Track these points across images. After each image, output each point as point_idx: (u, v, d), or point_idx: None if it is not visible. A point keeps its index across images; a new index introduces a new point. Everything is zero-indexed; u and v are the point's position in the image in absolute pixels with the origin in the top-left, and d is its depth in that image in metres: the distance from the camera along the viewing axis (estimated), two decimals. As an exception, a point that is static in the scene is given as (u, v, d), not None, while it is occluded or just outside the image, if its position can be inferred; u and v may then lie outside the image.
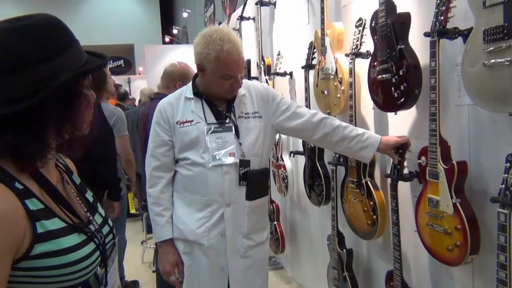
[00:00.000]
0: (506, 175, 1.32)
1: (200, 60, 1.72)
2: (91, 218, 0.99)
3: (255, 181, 1.78)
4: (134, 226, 5.69)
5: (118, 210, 2.94)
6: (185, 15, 6.01)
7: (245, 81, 1.89)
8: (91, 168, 2.51)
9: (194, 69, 1.91)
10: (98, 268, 0.95)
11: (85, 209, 0.99)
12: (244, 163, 1.75)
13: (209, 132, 1.75)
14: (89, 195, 1.07)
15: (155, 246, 2.95)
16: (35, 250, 0.83)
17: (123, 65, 12.90)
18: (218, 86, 1.75)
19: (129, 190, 3.73)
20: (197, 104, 1.79)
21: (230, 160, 1.74)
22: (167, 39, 8.36)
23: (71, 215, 0.92)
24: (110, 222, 1.07)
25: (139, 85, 9.37)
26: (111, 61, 12.72)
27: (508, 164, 1.31)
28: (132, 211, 4.89)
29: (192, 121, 1.77)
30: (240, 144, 1.76)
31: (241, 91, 1.83)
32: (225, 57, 1.67)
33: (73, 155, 0.99)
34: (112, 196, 2.83)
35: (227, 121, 1.79)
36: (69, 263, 0.86)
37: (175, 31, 8.32)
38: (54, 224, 0.87)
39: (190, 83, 1.86)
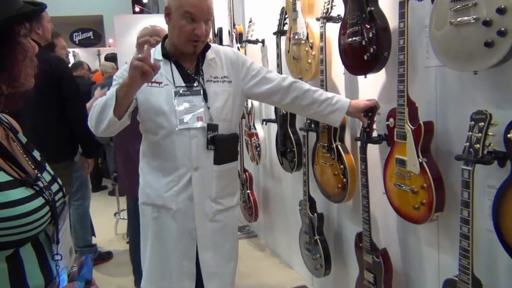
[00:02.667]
0: (470, 133, 1.34)
1: (170, 1, 1.68)
2: (39, 175, 0.97)
3: (223, 145, 1.77)
4: (106, 199, 5.65)
5: (91, 167, 3.10)
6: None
7: (215, 45, 1.87)
8: (66, 127, 2.76)
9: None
10: (49, 226, 0.94)
11: (33, 166, 0.97)
12: (212, 127, 1.73)
13: (177, 95, 1.72)
14: (36, 154, 1.05)
15: (127, 218, 2.96)
16: None
17: (92, 37, 12.50)
18: (181, 31, 1.67)
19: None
20: (166, 66, 1.75)
21: (198, 124, 1.72)
22: (137, 9, 8.14)
23: (18, 170, 0.91)
24: (59, 181, 1.05)
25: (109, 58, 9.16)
26: (80, 32, 12.34)
27: (473, 122, 1.34)
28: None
29: (161, 83, 1.73)
30: (208, 108, 1.74)
31: (210, 54, 1.80)
32: None
33: (12, 107, 0.95)
34: (85, 153, 3.01)
35: (195, 84, 1.76)
36: (16, 216, 0.85)
37: (145, 0, 8.10)
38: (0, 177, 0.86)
39: (160, 45, 1.82)
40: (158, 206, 1.79)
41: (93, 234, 3.71)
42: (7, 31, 0.87)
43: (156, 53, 1.79)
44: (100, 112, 1.61)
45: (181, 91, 1.72)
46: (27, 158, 0.98)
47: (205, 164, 1.75)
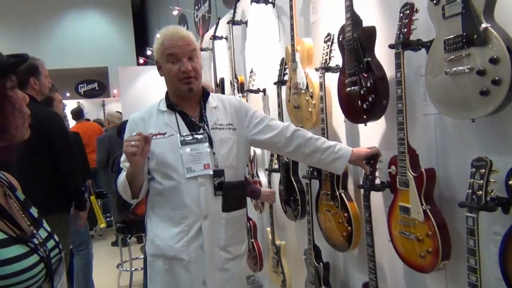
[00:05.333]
0: (472, 180, 1.35)
1: (156, 54, 1.80)
2: (34, 232, 0.98)
3: (230, 192, 1.78)
4: (109, 249, 5.58)
5: (84, 218, 3.18)
6: (158, 36, 6.03)
7: (218, 94, 1.93)
8: (58, 181, 2.82)
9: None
10: (44, 283, 0.93)
11: (29, 223, 0.98)
12: (218, 173, 1.76)
13: (183, 144, 1.75)
14: (33, 211, 1.06)
15: (139, 268, 2.93)
16: None
17: (97, 88, 12.79)
18: (170, 74, 1.78)
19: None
20: (171, 117, 1.80)
21: (205, 171, 1.74)
22: (141, 61, 8.35)
23: (14, 227, 0.91)
24: (56, 237, 1.05)
25: (113, 108, 9.31)
26: (85, 83, 12.62)
27: (474, 169, 1.35)
28: (102, 225, 4.86)
29: (165, 133, 1.77)
30: (214, 154, 1.77)
31: (213, 102, 1.85)
32: (168, 38, 1.77)
33: (5, 158, 0.96)
34: (77, 206, 3.06)
35: (200, 132, 1.79)
36: (11, 274, 0.85)
37: (149, 52, 8.31)
38: None
39: (164, 97, 1.87)
40: (170, 258, 1.78)
41: None
42: None
43: (160, 104, 1.84)
44: (124, 194, 1.79)
45: (187, 140, 1.76)
46: (23, 215, 0.98)
47: (214, 212, 1.76)
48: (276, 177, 3.02)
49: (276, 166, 2.94)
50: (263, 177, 3.25)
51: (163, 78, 1.85)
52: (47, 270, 0.94)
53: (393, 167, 1.71)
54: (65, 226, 2.88)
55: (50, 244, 1.01)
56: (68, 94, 11.83)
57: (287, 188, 2.73)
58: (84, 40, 11.52)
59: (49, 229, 1.05)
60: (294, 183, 2.66)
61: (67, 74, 11.81)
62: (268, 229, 3.15)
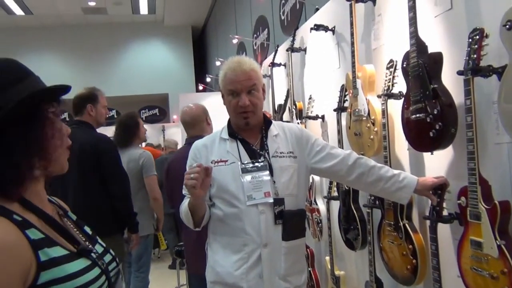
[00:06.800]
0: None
1: (220, 85, 1.86)
2: (90, 247, 1.01)
3: (290, 220, 1.77)
4: (166, 272, 5.64)
5: (137, 241, 3.25)
6: (218, 63, 6.22)
7: (279, 122, 1.95)
8: (110, 204, 2.91)
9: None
10: None
11: (84, 239, 1.02)
12: (278, 201, 1.75)
13: (244, 172, 1.76)
14: (87, 229, 1.10)
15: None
16: (41, 278, 0.85)
17: (158, 114, 13.28)
18: (230, 107, 1.83)
19: (156, 230, 4.00)
20: (232, 144, 1.83)
21: (266, 199, 1.74)
22: (200, 88, 8.60)
23: (72, 242, 0.95)
24: (111, 251, 1.08)
25: (173, 133, 9.62)
26: (147, 109, 13.14)
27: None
28: (163, 247, 4.95)
29: (226, 161, 1.80)
30: (274, 182, 1.77)
31: (274, 130, 1.86)
32: (230, 72, 1.80)
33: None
34: (130, 229, 3.15)
35: (261, 159, 1.80)
36: (79, 287, 0.88)
37: (208, 79, 8.56)
38: (56, 251, 0.89)
39: (226, 125, 1.91)
40: (229, 285, 1.77)
41: None
42: (34, 109, 0.94)
43: (223, 132, 1.88)
44: (186, 222, 1.82)
45: (248, 167, 1.78)
46: (77, 232, 1.03)
47: (274, 240, 1.75)
48: (335, 204, 2.96)
49: (335, 194, 2.88)
50: (321, 205, 3.20)
51: (221, 104, 1.90)
52: (108, 282, 0.97)
53: (463, 198, 1.62)
54: (119, 248, 2.95)
55: (107, 257, 1.05)
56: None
57: (347, 216, 2.66)
58: (147, 68, 12.06)
59: (104, 244, 1.09)
60: (355, 212, 2.60)
61: (131, 101, 12.38)
62: (327, 258, 3.08)
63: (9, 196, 0.90)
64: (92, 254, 0.99)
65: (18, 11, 10.41)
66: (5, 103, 0.89)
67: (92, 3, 10.36)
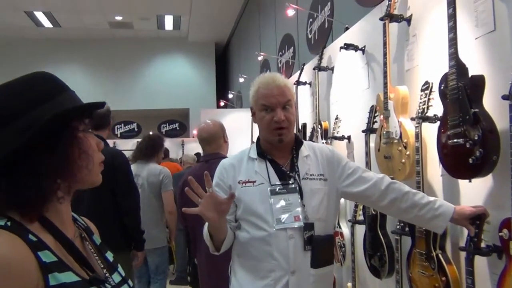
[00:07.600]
0: None
1: (250, 101, 1.79)
2: (107, 275, 0.96)
3: (320, 246, 1.68)
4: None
5: (141, 259, 3.22)
6: (241, 80, 6.23)
7: (310, 142, 1.87)
8: (119, 219, 2.91)
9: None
10: None
11: (102, 266, 0.97)
12: (308, 226, 1.67)
13: (273, 194, 1.69)
14: (109, 255, 1.05)
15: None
16: None
17: (178, 128, 13.34)
18: (263, 123, 1.74)
19: (168, 242, 4.22)
20: (261, 165, 1.76)
21: (296, 224, 1.66)
22: (222, 103, 8.61)
23: (87, 269, 0.90)
24: (130, 282, 1.03)
25: (192, 148, 9.61)
26: (167, 124, 13.22)
27: None
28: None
29: (254, 181, 1.73)
30: (304, 205, 1.69)
31: (305, 151, 1.79)
32: (263, 87, 1.74)
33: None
34: (136, 246, 3.12)
35: (291, 181, 1.73)
36: None
37: (230, 96, 8.57)
38: (67, 277, 0.85)
39: (255, 144, 1.85)
40: None
41: None
42: (62, 128, 0.90)
43: (251, 151, 1.81)
44: (208, 245, 1.74)
45: (277, 189, 1.70)
46: (97, 257, 0.98)
47: (302, 267, 1.66)
48: (360, 229, 2.86)
49: (361, 218, 2.78)
50: (345, 228, 3.10)
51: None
52: None
53: (505, 230, 1.52)
54: (126, 266, 2.90)
55: None
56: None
57: (373, 242, 2.56)
58: (169, 83, 12.18)
59: (123, 273, 1.04)
60: (381, 238, 2.49)
61: (152, 115, 12.48)
62: (349, 284, 2.97)
63: (28, 216, 0.86)
64: (107, 284, 0.94)
65: (46, 23, 10.68)
66: (35, 121, 0.85)
67: (118, 18, 10.55)
